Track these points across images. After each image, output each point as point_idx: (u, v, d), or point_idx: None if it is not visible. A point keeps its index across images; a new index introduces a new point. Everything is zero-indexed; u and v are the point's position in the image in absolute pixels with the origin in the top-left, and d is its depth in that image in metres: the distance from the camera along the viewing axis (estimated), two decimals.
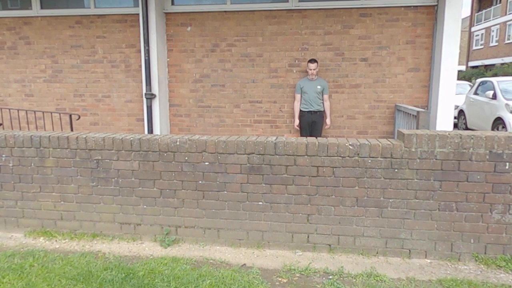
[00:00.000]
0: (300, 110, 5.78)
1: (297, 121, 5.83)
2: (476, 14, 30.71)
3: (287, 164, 3.06)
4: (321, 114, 5.74)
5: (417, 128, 4.41)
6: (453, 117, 5.55)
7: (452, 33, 5.35)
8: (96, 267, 2.85)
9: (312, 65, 5.61)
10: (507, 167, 2.85)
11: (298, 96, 5.79)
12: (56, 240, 3.39)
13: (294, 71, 6.01)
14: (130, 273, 2.76)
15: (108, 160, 3.29)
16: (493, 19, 27.71)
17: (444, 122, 5.50)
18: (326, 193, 3.06)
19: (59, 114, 6.16)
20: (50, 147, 3.34)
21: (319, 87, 5.65)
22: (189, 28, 6.13)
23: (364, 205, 3.03)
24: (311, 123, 5.72)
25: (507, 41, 25.79)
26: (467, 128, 10.81)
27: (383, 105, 5.90)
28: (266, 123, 6.19)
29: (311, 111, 5.70)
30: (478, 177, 2.89)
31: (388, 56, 5.79)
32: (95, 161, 3.30)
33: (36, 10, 6.34)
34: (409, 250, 3.04)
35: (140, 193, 3.30)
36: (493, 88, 9.57)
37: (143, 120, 6.30)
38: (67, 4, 6.41)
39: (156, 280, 2.66)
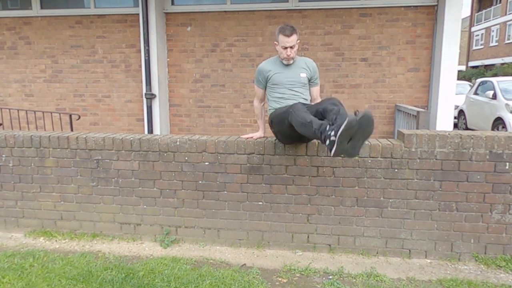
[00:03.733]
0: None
1: (260, 133, 3.27)
2: (476, 14, 30.70)
3: (287, 164, 3.06)
4: None
5: (417, 128, 4.41)
6: (453, 117, 5.56)
7: (452, 33, 5.35)
8: (96, 267, 2.85)
9: (289, 39, 2.83)
10: (507, 167, 2.85)
11: (260, 92, 3.20)
12: (56, 240, 3.39)
13: None
14: (130, 273, 2.76)
15: (108, 160, 3.28)
16: (493, 19, 27.70)
17: (444, 122, 5.50)
18: (326, 193, 3.05)
19: (59, 114, 6.16)
20: (50, 147, 3.34)
21: (303, 75, 2.98)
22: (189, 28, 6.13)
23: (364, 205, 3.03)
24: None
25: (507, 41, 25.79)
26: (467, 128, 10.80)
27: (383, 105, 5.90)
28: (266, 123, 6.17)
29: None
30: (478, 177, 2.89)
31: (388, 56, 5.78)
32: (95, 161, 3.30)
33: (36, 10, 6.33)
34: (409, 250, 3.04)
35: (140, 193, 3.30)
36: (493, 88, 9.57)
37: (143, 120, 6.30)
38: (67, 4, 6.41)
39: (156, 280, 2.66)
